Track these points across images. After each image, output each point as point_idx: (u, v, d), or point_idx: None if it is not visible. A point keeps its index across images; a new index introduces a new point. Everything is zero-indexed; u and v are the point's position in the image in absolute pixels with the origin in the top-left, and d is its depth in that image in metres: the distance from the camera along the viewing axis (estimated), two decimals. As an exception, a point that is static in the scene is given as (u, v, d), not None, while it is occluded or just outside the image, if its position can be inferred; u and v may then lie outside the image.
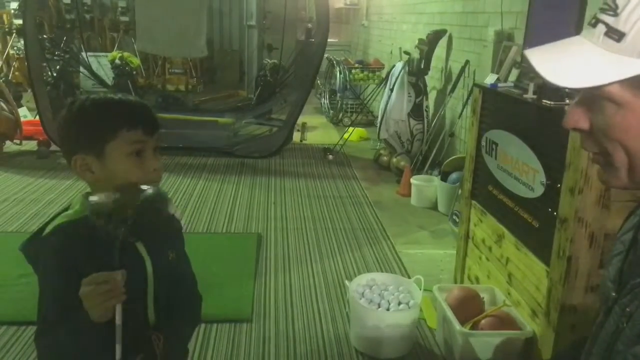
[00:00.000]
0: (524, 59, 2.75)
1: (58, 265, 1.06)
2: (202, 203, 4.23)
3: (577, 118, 0.72)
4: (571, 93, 2.12)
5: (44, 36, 7.09)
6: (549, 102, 2.10)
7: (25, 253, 1.12)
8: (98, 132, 1.08)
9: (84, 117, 1.10)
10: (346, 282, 2.60)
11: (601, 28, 0.66)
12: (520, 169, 2.24)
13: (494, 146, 2.50)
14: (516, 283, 2.30)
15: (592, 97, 0.69)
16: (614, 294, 0.80)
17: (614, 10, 0.65)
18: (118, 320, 1.01)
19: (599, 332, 0.81)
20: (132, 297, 1.15)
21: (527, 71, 2.67)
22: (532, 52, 0.70)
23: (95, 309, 1.01)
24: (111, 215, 1.01)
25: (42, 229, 1.12)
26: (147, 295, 1.16)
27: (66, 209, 1.14)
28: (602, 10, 0.67)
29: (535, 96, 2.23)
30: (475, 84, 2.91)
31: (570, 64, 0.67)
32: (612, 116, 0.68)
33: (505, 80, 2.79)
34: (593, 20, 0.68)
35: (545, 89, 2.25)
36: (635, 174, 0.71)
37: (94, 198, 1.03)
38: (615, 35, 0.64)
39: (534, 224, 2.15)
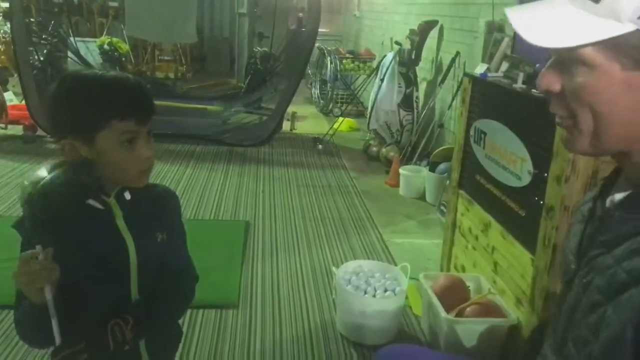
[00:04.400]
0: (513, 50, 2.76)
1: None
2: (190, 190, 4.21)
3: (549, 80, 0.72)
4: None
5: (31, 20, 6.96)
6: (537, 92, 2.11)
7: None
8: (88, 120, 1.03)
9: (74, 101, 1.05)
10: (333, 268, 2.61)
11: None
12: (508, 158, 2.25)
13: (482, 135, 2.50)
14: (502, 271, 2.32)
15: (566, 59, 0.69)
16: (573, 267, 0.81)
17: None
18: (47, 294, 0.98)
19: (562, 304, 0.82)
20: (113, 280, 1.14)
21: (517, 62, 2.68)
22: (512, 10, 0.70)
23: (24, 290, 1.01)
24: None
25: None
26: (130, 277, 1.15)
27: None
28: None
29: (524, 86, 2.23)
30: (465, 74, 2.91)
31: (547, 24, 0.67)
32: (583, 79, 0.68)
33: (496, 72, 2.80)
34: None
35: (535, 79, 2.26)
36: (598, 140, 0.71)
37: None
38: None
39: (520, 212, 2.17)
